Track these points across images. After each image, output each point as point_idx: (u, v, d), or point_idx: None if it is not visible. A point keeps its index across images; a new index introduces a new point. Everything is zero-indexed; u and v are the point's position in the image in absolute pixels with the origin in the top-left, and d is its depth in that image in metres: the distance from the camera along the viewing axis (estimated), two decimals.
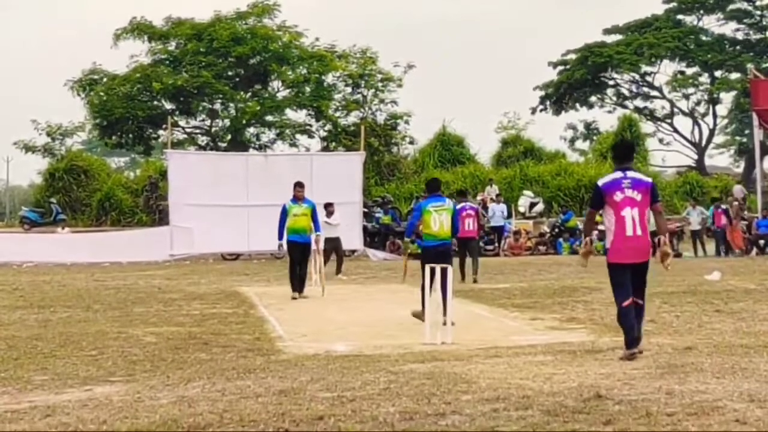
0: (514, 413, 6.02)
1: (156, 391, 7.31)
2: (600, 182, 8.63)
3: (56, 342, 10.42)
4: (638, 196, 8.42)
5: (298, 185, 16.11)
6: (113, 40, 37.95)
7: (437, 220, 11.98)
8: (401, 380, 7.31)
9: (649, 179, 8.73)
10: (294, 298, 15.38)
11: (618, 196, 8.40)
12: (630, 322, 8.34)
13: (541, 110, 49.84)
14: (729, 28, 50.28)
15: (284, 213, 15.82)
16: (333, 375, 7.71)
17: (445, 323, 10.65)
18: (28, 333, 11.27)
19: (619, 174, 8.54)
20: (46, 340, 10.60)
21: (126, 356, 9.40)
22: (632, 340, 8.31)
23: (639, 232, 8.39)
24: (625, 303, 8.38)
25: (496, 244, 29.22)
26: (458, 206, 19.57)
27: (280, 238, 15.83)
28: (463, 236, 17.91)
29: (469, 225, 18.74)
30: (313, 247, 16.30)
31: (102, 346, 10.05)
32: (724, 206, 28.27)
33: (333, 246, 20.21)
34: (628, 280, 8.45)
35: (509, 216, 31.43)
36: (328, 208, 20.60)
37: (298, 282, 15.72)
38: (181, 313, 13.49)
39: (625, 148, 8.94)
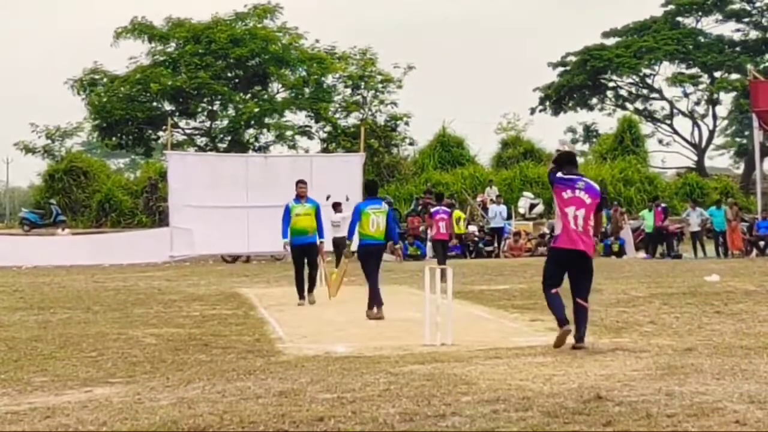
0: (514, 414, 6.02)
1: (156, 393, 7.30)
2: (559, 173, 9.23)
3: (56, 343, 10.42)
4: (588, 200, 9.06)
5: (301, 182, 15.37)
6: (114, 38, 38.03)
7: (375, 221, 12.87)
8: (401, 381, 7.31)
9: (600, 189, 9.43)
10: (300, 304, 14.59)
11: (567, 194, 9.09)
12: (558, 304, 9.10)
13: (540, 110, 49.85)
14: (728, 29, 50.36)
15: (287, 213, 14.95)
16: (333, 376, 7.71)
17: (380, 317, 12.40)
18: (27, 334, 11.27)
19: (574, 176, 9.22)
20: (46, 341, 10.60)
21: (126, 358, 9.40)
22: (563, 319, 9.03)
23: (581, 229, 9.04)
24: (553, 290, 9.17)
25: (496, 245, 29.24)
26: (432, 209, 20.26)
27: (284, 236, 14.98)
28: (436, 238, 19.37)
29: (442, 228, 19.29)
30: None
31: (102, 348, 10.04)
32: (663, 205, 28.55)
33: (338, 244, 20.33)
34: (562, 276, 9.19)
35: (509, 217, 31.45)
36: (337, 207, 20.69)
37: (306, 285, 14.89)
38: (181, 314, 13.49)
39: (571, 156, 9.62)
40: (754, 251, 27.38)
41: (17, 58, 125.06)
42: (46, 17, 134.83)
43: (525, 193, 35.23)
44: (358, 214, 13.00)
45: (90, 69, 38.37)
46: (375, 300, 12.78)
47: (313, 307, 14.56)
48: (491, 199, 32.48)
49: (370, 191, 13.42)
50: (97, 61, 38.95)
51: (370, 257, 13.01)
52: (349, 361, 8.80)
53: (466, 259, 27.66)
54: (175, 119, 37.52)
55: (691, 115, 50.33)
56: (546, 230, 30.79)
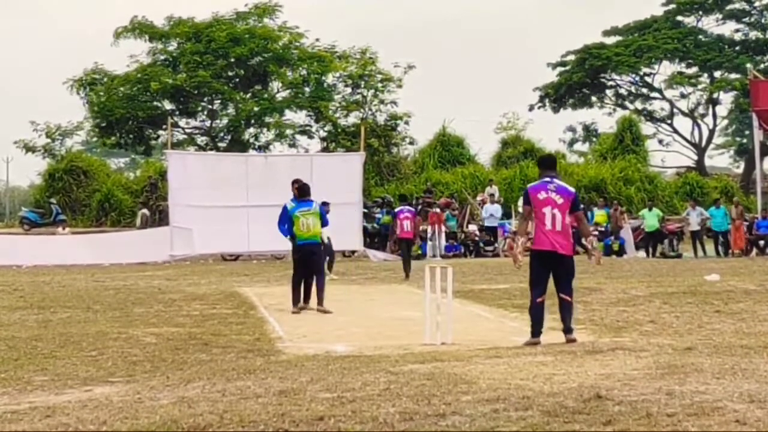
0: (514, 414, 6.02)
1: (156, 392, 7.30)
2: (529, 186, 9.86)
3: (56, 342, 10.42)
4: (560, 200, 9.52)
5: (296, 183, 15.33)
6: (114, 37, 37.99)
7: (305, 223, 13.95)
8: (401, 381, 7.31)
9: (573, 190, 9.84)
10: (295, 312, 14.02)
11: (541, 195, 9.55)
12: (538, 316, 9.57)
13: (539, 107, 49.84)
14: (728, 29, 50.35)
15: (284, 213, 14.57)
16: (333, 376, 7.71)
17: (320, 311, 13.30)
18: (28, 334, 11.27)
19: (546, 179, 9.68)
20: (46, 340, 10.60)
21: (126, 357, 9.40)
22: (537, 332, 9.54)
23: (558, 228, 9.45)
24: (539, 299, 9.56)
25: (496, 245, 29.23)
26: (397, 209, 21.15)
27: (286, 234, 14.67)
28: (401, 237, 20.47)
29: (407, 226, 20.23)
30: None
31: (102, 347, 10.05)
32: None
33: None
34: (546, 277, 9.61)
35: (509, 216, 31.46)
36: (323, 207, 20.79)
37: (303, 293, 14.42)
38: (181, 313, 13.49)
39: (549, 160, 10.17)
40: (754, 250, 27.37)
41: (17, 58, 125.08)
42: (46, 17, 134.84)
43: None
44: (288, 218, 14.07)
45: (90, 69, 38.38)
46: (314, 294, 13.92)
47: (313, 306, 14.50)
48: (496, 199, 32.49)
49: (303, 194, 14.34)
50: (98, 61, 39.02)
51: (306, 257, 14.02)
52: (349, 360, 8.80)
53: (466, 258, 27.67)
54: (175, 118, 37.51)
55: (691, 114, 50.33)
56: None
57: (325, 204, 20.59)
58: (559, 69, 49.61)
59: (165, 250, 26.10)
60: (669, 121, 51.13)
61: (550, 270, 9.62)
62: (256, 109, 37.32)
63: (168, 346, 10.09)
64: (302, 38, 38.88)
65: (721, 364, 7.89)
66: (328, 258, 20.53)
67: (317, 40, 39.12)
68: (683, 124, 51.04)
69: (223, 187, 26.30)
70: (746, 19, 49.44)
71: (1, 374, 8.45)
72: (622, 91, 50.45)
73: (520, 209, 35.92)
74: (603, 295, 14.77)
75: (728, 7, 48.95)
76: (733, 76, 47.62)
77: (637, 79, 49.70)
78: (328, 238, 20.61)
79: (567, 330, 9.63)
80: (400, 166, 39.74)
